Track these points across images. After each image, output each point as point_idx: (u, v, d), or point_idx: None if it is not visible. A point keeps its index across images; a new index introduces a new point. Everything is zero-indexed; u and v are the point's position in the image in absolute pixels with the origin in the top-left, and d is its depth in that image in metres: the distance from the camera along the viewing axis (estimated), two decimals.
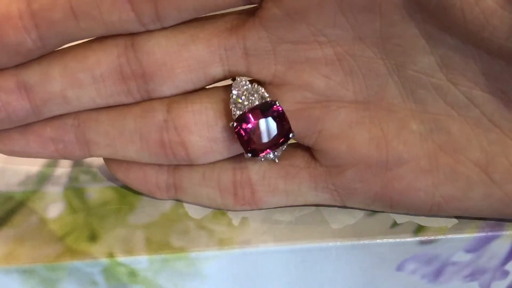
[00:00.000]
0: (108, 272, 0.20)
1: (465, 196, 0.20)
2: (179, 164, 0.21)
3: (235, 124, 0.19)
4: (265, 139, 0.19)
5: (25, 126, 0.20)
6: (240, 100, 0.19)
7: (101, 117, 0.20)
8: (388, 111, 0.20)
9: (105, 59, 0.19)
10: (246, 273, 0.21)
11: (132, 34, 0.19)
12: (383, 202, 0.20)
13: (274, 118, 0.19)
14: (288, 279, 0.21)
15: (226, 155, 0.20)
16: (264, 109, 0.19)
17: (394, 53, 0.19)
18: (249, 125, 0.19)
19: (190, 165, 0.21)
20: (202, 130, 0.19)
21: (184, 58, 0.19)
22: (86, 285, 0.20)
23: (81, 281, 0.20)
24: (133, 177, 0.21)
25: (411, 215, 0.21)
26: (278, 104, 0.19)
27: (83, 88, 0.19)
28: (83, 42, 0.19)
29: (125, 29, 0.18)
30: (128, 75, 0.19)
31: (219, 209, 0.21)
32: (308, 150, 0.21)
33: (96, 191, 0.22)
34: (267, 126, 0.19)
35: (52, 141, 0.20)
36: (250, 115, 0.19)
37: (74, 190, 0.22)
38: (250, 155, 0.19)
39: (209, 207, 0.21)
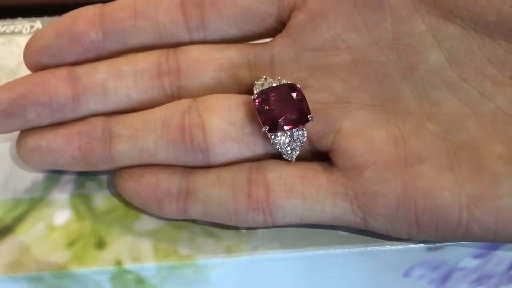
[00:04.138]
0: (115, 280, 0.20)
1: (493, 193, 0.18)
2: (194, 168, 0.21)
3: (255, 96, 0.20)
4: (283, 105, 0.20)
5: (56, 125, 0.21)
6: (261, 82, 0.21)
7: (129, 115, 0.21)
8: (405, 113, 0.20)
9: (149, 57, 0.22)
10: (254, 280, 0.21)
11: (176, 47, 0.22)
12: (407, 210, 0.19)
13: (295, 99, 0.20)
14: (296, 285, 0.21)
15: (242, 149, 0.20)
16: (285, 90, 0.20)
17: (405, 54, 0.21)
18: (269, 97, 0.20)
19: (206, 168, 0.21)
20: (223, 112, 0.20)
21: (216, 58, 0.22)
22: None
23: None
24: (145, 183, 0.21)
25: (438, 242, 0.20)
26: (299, 87, 0.20)
27: (123, 78, 0.21)
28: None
29: (173, 33, 0.22)
30: (164, 71, 0.22)
31: (229, 218, 0.20)
32: (324, 159, 0.21)
33: (103, 198, 0.22)
34: (287, 98, 0.20)
35: (78, 135, 0.21)
36: (271, 94, 0.20)
37: (80, 197, 0.22)
38: (267, 127, 0.20)
39: (218, 221, 0.20)
